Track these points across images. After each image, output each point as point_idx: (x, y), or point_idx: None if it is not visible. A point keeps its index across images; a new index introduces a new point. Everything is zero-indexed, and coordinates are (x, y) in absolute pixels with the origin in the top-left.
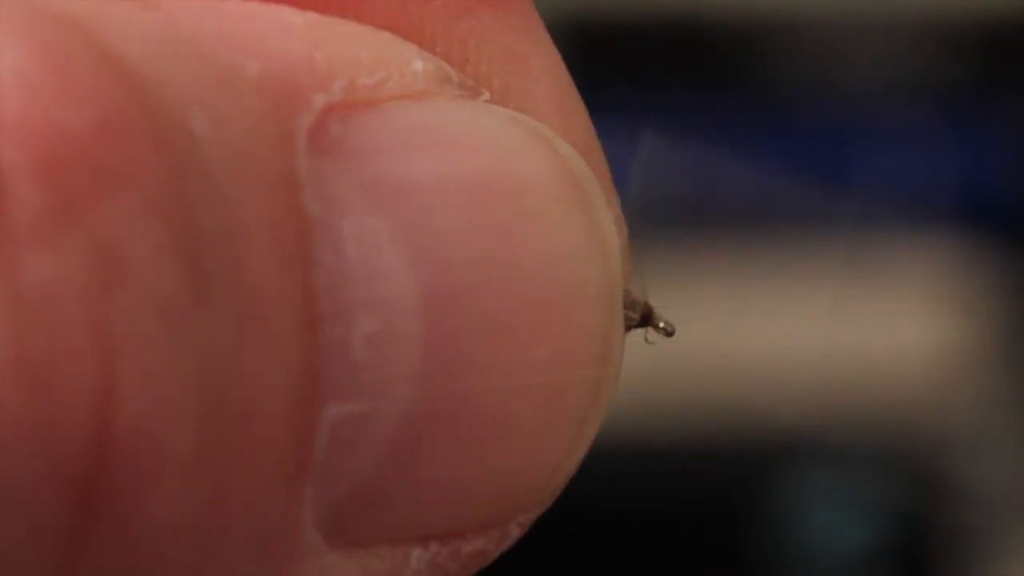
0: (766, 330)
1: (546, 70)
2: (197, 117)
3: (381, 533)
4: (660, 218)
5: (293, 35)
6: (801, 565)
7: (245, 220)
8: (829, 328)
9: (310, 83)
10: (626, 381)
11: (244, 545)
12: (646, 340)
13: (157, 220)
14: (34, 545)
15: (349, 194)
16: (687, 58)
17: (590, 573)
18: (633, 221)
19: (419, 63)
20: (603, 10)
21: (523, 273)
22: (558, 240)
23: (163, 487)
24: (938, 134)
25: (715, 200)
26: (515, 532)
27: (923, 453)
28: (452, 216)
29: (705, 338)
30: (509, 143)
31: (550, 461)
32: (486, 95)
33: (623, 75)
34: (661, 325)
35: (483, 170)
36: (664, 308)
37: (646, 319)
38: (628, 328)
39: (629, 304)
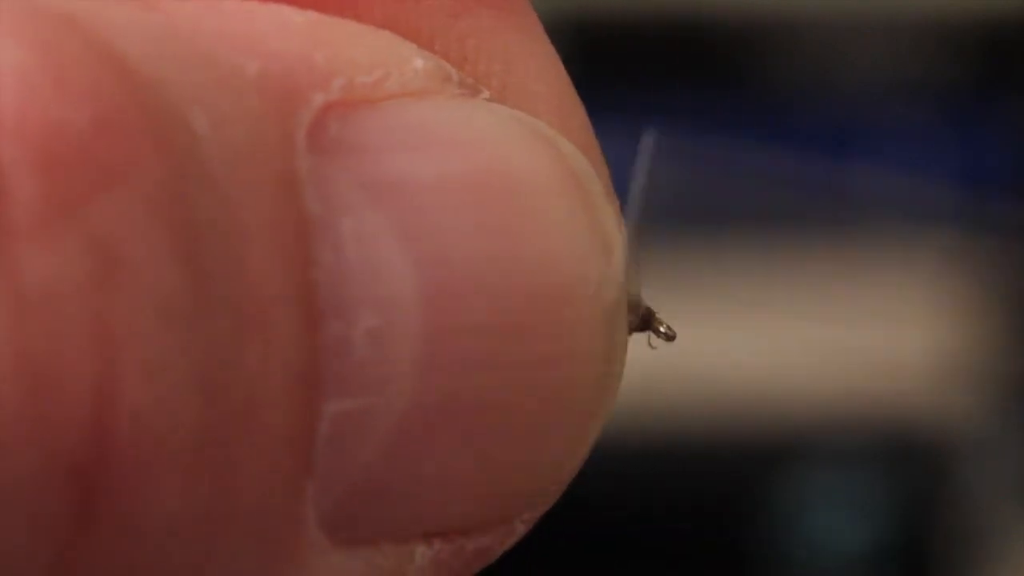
0: (766, 330)
1: (545, 69)
2: (197, 116)
3: (385, 530)
4: (660, 218)
5: (292, 34)
6: (801, 565)
7: (245, 219)
8: (829, 329)
9: (309, 82)
10: (626, 381)
11: (246, 542)
12: (649, 345)
13: (156, 218)
14: (33, 542)
15: (349, 192)
16: (687, 58)
17: (590, 573)
18: (633, 221)
19: (419, 61)
20: (603, 10)
21: (524, 270)
22: (559, 237)
23: (163, 485)
24: (938, 134)
25: (715, 200)
26: (519, 530)
27: (923, 453)
28: (452, 214)
29: (705, 338)
30: (509, 141)
31: (554, 458)
32: (486, 93)
33: (623, 75)
34: (662, 330)
35: (483, 168)
36: (664, 312)
37: (647, 323)
38: (629, 331)
39: (630, 306)
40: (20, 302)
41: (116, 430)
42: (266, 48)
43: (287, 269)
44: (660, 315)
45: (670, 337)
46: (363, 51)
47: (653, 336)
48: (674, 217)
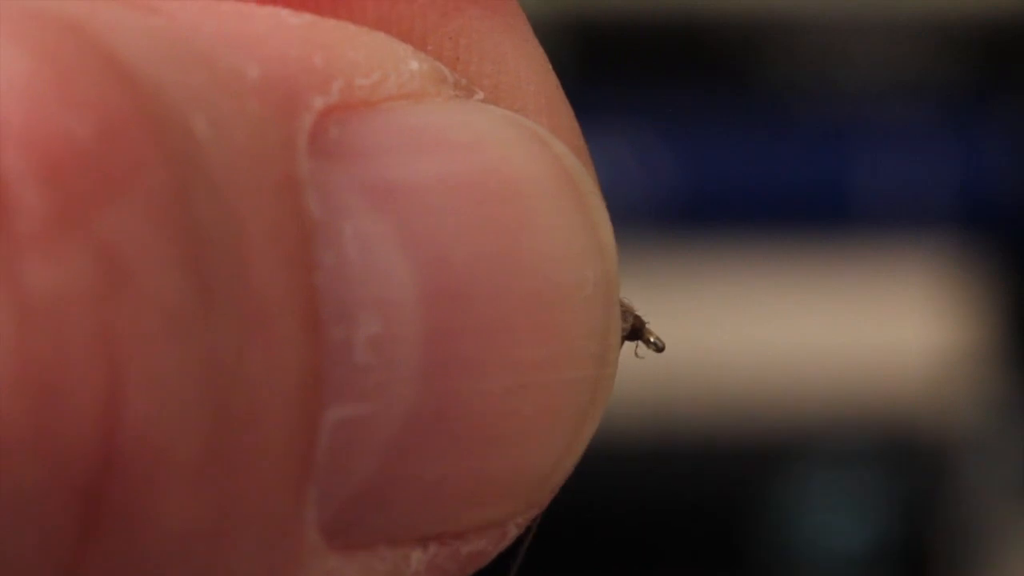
0: (766, 330)
1: (534, 70)
2: (198, 120)
3: (381, 534)
4: (660, 218)
5: (290, 37)
6: (801, 565)
7: (247, 224)
8: (828, 328)
9: (309, 85)
10: (626, 381)
11: (249, 548)
12: (636, 355)
13: (161, 225)
14: (40, 552)
15: (349, 196)
16: (687, 58)
17: (590, 573)
18: (632, 221)
19: (415, 63)
20: (603, 10)
21: (521, 272)
22: (555, 238)
23: (169, 493)
24: (938, 134)
25: (715, 200)
26: (512, 532)
27: (923, 453)
28: (451, 216)
29: (705, 338)
30: (506, 143)
31: (548, 460)
32: (480, 95)
33: (623, 75)
34: (652, 340)
35: (480, 170)
36: (664, 311)
37: (636, 332)
38: (620, 339)
39: (621, 312)
40: (25, 313)
41: (122, 442)
42: (265, 51)
43: (289, 274)
44: (649, 325)
45: (659, 348)
46: (360, 53)
47: (642, 346)
48: (674, 217)
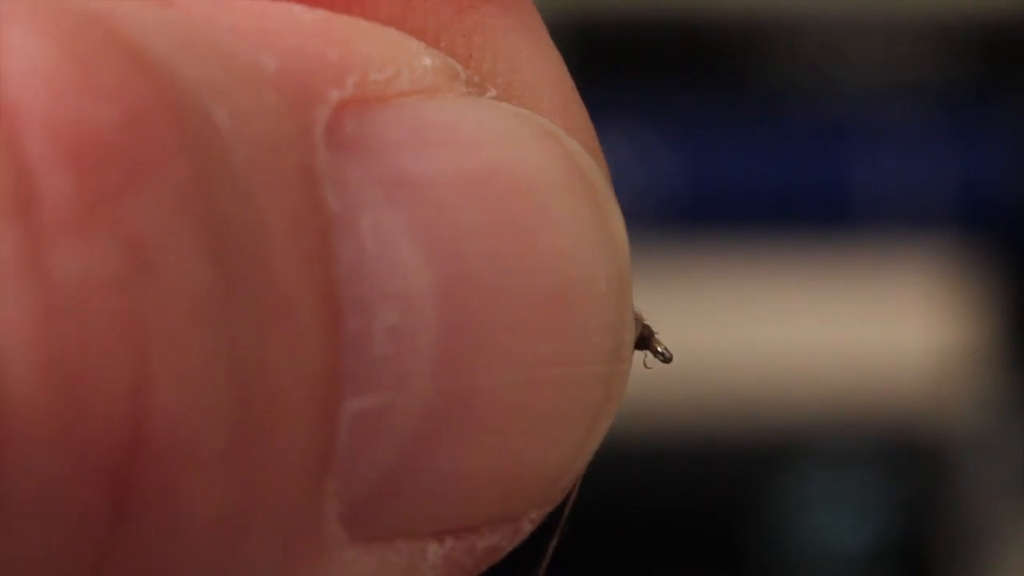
0: (766, 330)
1: (548, 68)
2: (219, 112)
3: (399, 527)
4: (660, 218)
5: (305, 32)
6: (801, 565)
7: (268, 215)
8: (828, 328)
9: (325, 79)
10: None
11: (271, 539)
12: (644, 365)
13: (185, 215)
14: (68, 542)
15: (366, 189)
16: (687, 58)
17: (590, 573)
18: (633, 221)
19: (428, 59)
20: (603, 10)
21: (534, 267)
22: (568, 234)
23: (195, 482)
24: (938, 134)
25: (715, 200)
26: (527, 528)
27: (923, 453)
28: (466, 211)
29: (705, 338)
30: (520, 139)
31: (563, 455)
32: (492, 92)
33: (623, 75)
34: (660, 350)
35: (492, 166)
36: (663, 311)
37: (644, 342)
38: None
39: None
40: (51, 301)
41: (149, 431)
42: (280, 45)
43: (310, 265)
44: (658, 335)
45: (667, 359)
46: (374, 48)
47: (649, 355)
48: (674, 217)
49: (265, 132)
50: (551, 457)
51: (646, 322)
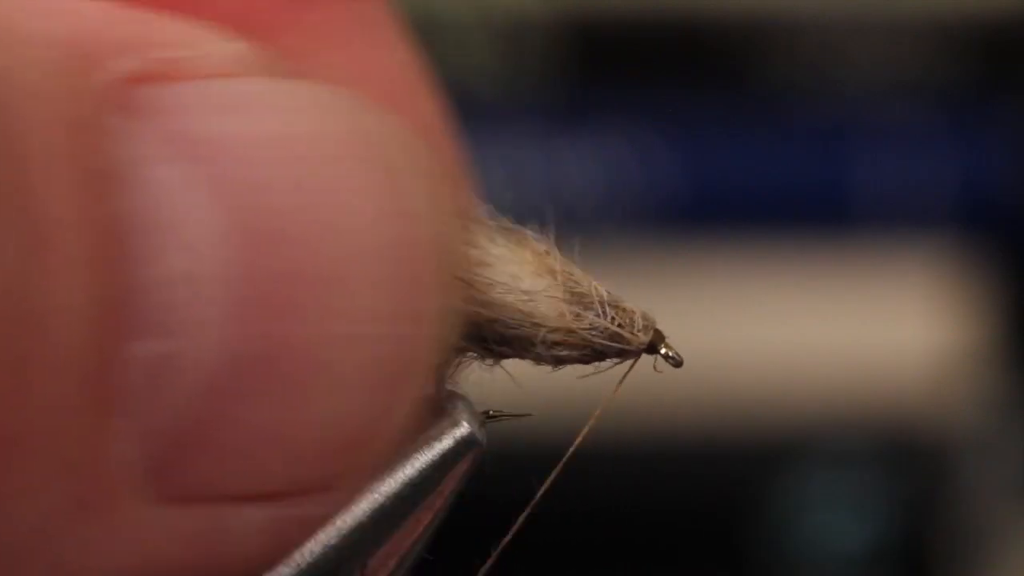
0: (767, 330)
1: (392, 58)
2: None
3: (210, 487)
4: (660, 218)
5: (94, 13)
6: (801, 565)
7: (32, 152)
8: (828, 328)
9: (105, 52)
10: (627, 381)
11: (49, 471)
12: (655, 369)
13: None
14: None
15: (156, 147)
16: (687, 58)
17: (590, 573)
18: (633, 221)
19: (227, 45)
20: (603, 10)
21: (324, 226)
22: (352, 199)
23: None
24: (938, 134)
25: (715, 200)
26: (341, 498)
27: (923, 453)
28: (254, 170)
29: (705, 338)
30: (310, 110)
31: (364, 416)
32: (300, 78)
33: (623, 75)
34: (670, 355)
35: (283, 131)
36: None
37: (654, 347)
38: (638, 353)
39: (642, 327)
40: None
41: None
42: (65, 20)
43: (80, 203)
44: (668, 339)
45: (677, 363)
46: (167, 32)
47: (660, 360)
48: (674, 216)
49: (37, 82)
50: (351, 416)
51: (657, 327)
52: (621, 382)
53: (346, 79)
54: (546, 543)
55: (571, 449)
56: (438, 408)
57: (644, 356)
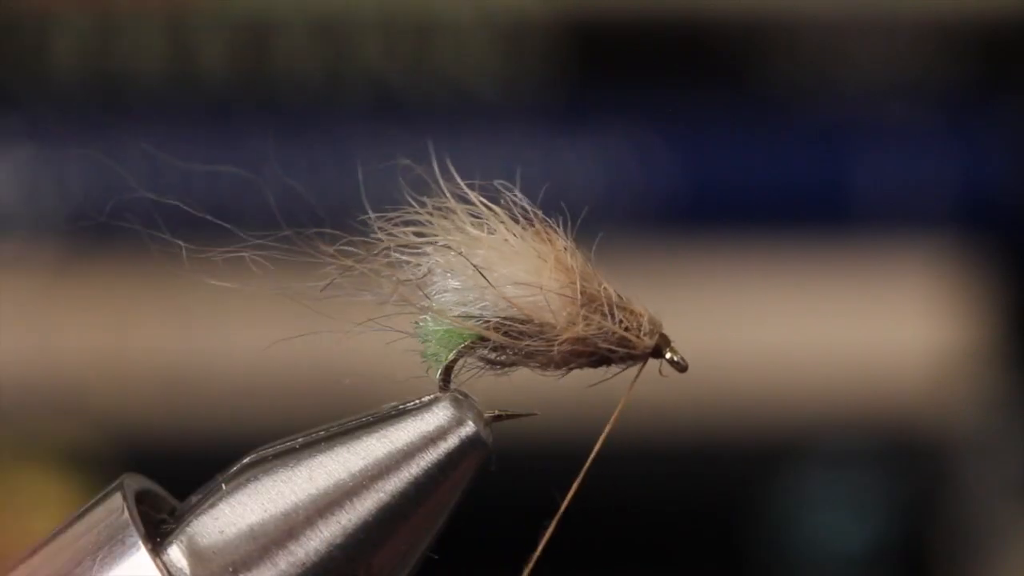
0: (767, 330)
1: None
2: None
3: None
4: (660, 218)
5: None
6: (801, 565)
7: None
8: (828, 328)
9: None
10: (626, 381)
11: None
12: (660, 373)
13: None
14: None
15: None
16: (687, 58)
17: (590, 572)
18: (633, 221)
19: None
20: (603, 10)
21: None
22: None
23: None
24: (938, 134)
25: (715, 200)
26: None
27: (923, 453)
28: None
29: (705, 338)
30: None
31: None
32: None
33: (623, 75)
34: (676, 359)
35: None
36: (663, 311)
37: (659, 351)
38: (644, 358)
39: (648, 331)
40: None
41: None
42: None
43: None
44: (674, 344)
45: (682, 367)
46: None
47: (665, 364)
48: (674, 217)
49: None
50: None
51: (663, 331)
52: (632, 384)
53: None
54: (546, 542)
55: (592, 454)
56: (444, 408)
57: (650, 362)
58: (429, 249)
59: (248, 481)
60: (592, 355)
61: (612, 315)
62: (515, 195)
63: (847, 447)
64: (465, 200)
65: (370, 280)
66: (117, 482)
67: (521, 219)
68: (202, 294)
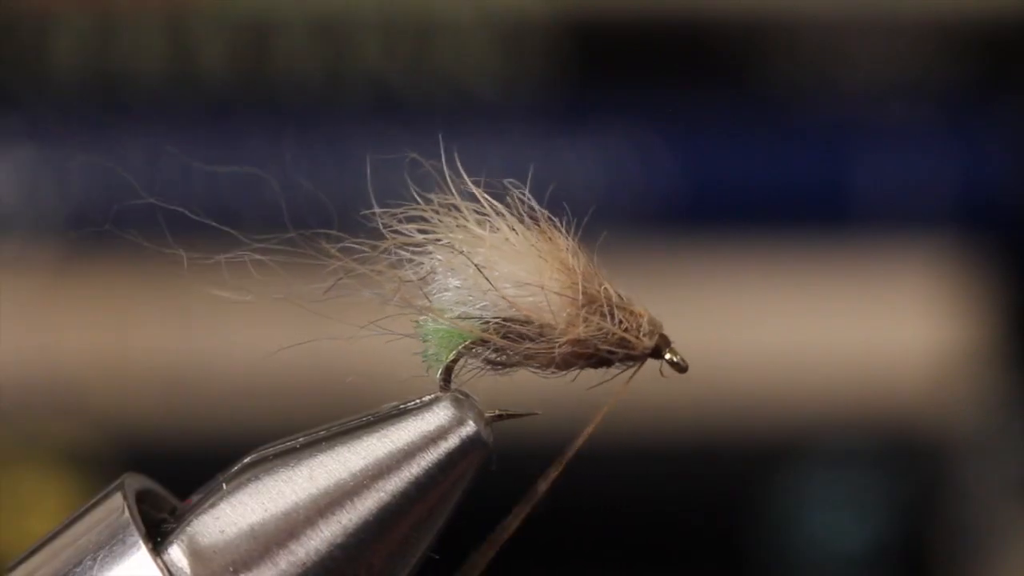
0: (767, 330)
1: None
2: None
3: None
4: (660, 218)
5: None
6: (801, 565)
7: None
8: (828, 328)
9: None
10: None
11: None
12: (660, 373)
13: None
14: None
15: None
16: (687, 58)
17: (590, 572)
18: (633, 221)
19: None
20: (603, 10)
21: None
22: None
23: None
24: (938, 134)
25: (715, 200)
26: None
27: (923, 453)
28: None
29: (705, 338)
30: None
31: None
32: None
33: (623, 75)
34: (676, 360)
35: None
36: (663, 311)
37: (658, 352)
38: (643, 358)
39: (647, 332)
40: None
41: None
42: None
43: None
44: (674, 344)
45: (682, 368)
46: None
47: (666, 365)
48: (674, 217)
49: None
50: None
51: (662, 332)
52: (627, 384)
53: None
54: (546, 542)
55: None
56: (445, 407)
57: (651, 360)
58: (430, 248)
59: (249, 480)
60: (592, 356)
61: (612, 316)
62: (520, 194)
63: (847, 447)
64: (467, 199)
65: (371, 280)
66: (118, 482)
67: (524, 218)
68: (202, 294)
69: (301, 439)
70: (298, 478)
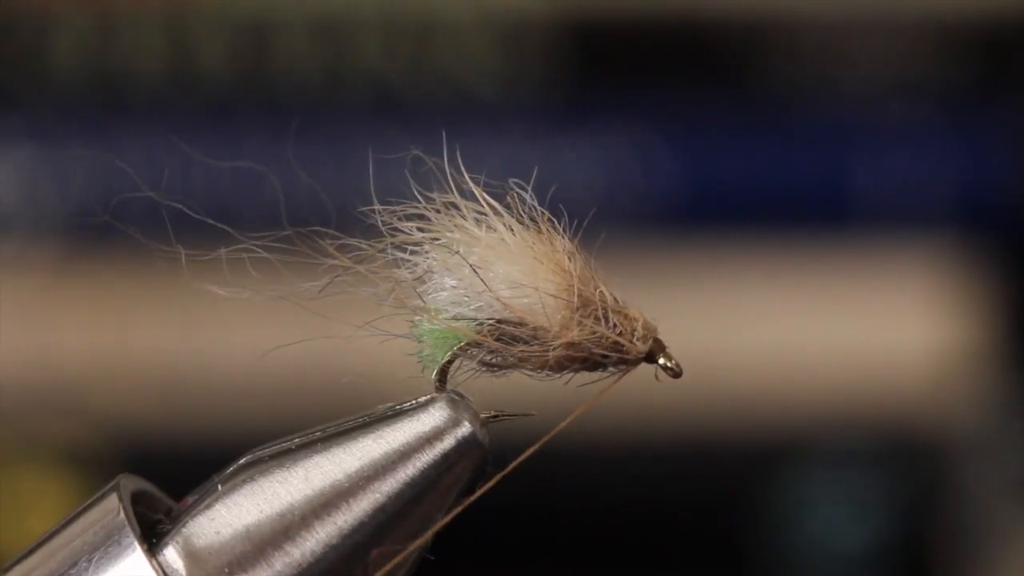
0: (767, 330)
1: None
2: None
3: None
4: (660, 218)
5: None
6: (801, 565)
7: None
8: (828, 328)
9: None
10: (626, 381)
11: None
12: (655, 378)
13: None
14: None
15: None
16: (687, 58)
17: (590, 572)
18: (633, 221)
19: None
20: (603, 10)
21: None
22: None
23: None
24: (938, 134)
25: (715, 200)
26: None
27: (923, 453)
28: None
29: (705, 338)
30: None
31: None
32: None
33: (623, 75)
34: (670, 365)
35: None
36: (664, 311)
37: (652, 357)
38: (638, 362)
39: (641, 336)
40: None
41: None
42: None
43: None
44: (669, 348)
45: (676, 373)
46: None
47: (659, 369)
48: (674, 217)
49: None
50: None
51: (657, 336)
52: (612, 385)
53: None
54: (546, 542)
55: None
56: (440, 408)
57: (645, 367)
58: (427, 247)
59: (244, 482)
60: (586, 360)
61: (607, 319)
62: (520, 194)
63: (847, 447)
64: (466, 198)
65: (368, 280)
66: (113, 483)
67: (522, 219)
68: (202, 294)
69: (296, 440)
70: (293, 479)
